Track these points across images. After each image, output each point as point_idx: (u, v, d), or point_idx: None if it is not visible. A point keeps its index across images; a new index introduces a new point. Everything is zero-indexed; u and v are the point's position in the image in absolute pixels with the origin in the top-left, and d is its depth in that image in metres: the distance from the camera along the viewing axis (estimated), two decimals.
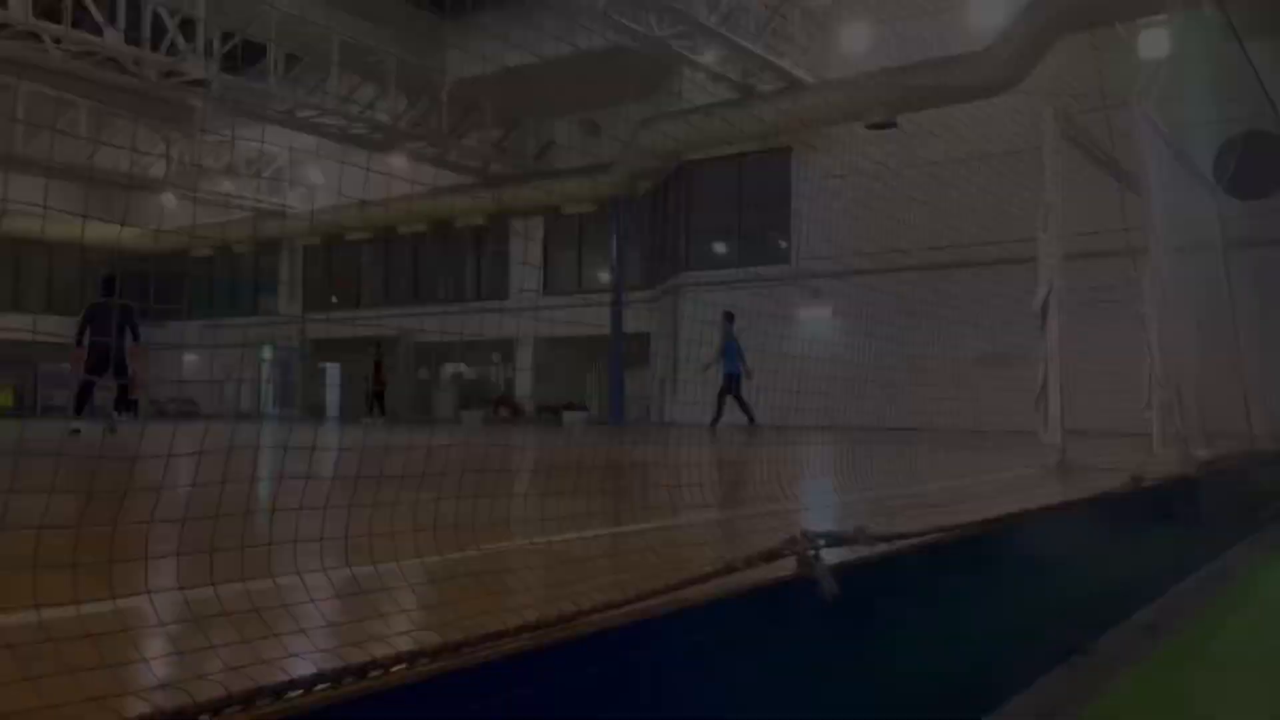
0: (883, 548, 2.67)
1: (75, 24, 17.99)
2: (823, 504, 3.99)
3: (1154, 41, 10.43)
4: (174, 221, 28.12)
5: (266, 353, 31.33)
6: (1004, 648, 3.55)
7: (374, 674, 1.44)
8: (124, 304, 11.20)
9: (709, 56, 18.46)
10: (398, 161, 24.28)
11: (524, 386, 26.86)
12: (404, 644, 1.52)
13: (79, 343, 10.68)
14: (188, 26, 19.60)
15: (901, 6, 5.46)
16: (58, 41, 17.97)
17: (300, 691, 1.35)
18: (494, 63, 18.13)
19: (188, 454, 2.01)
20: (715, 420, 13.17)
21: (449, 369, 29.15)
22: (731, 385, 12.97)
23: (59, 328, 29.10)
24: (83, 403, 11.36)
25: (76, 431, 9.39)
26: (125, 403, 11.73)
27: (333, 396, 30.32)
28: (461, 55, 20.67)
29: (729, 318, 13.10)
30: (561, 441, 8.17)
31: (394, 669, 1.46)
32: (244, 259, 33.34)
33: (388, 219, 27.20)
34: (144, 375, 15.93)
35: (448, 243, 28.56)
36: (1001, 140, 6.23)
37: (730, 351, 12.71)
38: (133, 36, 18.58)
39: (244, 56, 20.36)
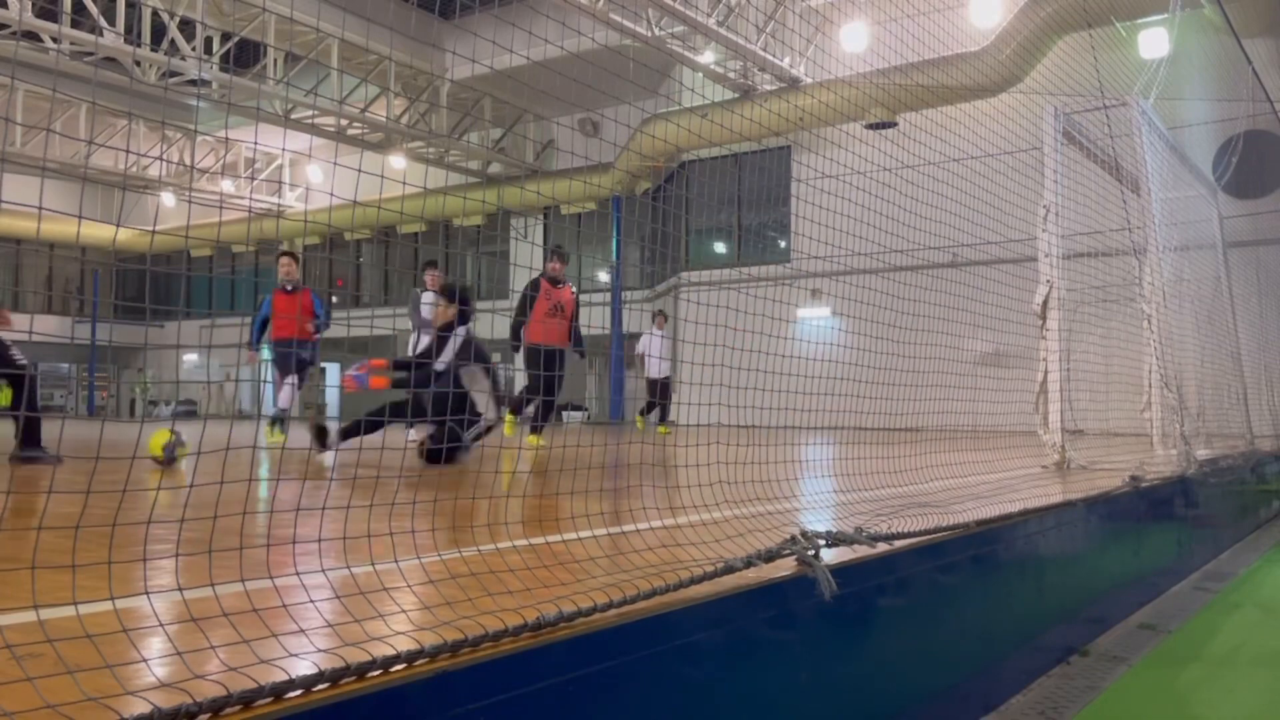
0: (883, 548, 2.67)
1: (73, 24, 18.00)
2: (823, 504, 3.99)
3: (1154, 41, 10.43)
4: (171, 221, 28.12)
5: (265, 352, 31.33)
6: (1003, 647, 3.55)
7: (373, 674, 1.44)
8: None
9: (708, 56, 18.47)
10: (397, 161, 24.29)
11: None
12: (403, 644, 1.52)
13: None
14: (187, 27, 19.61)
15: (901, 6, 5.46)
16: (56, 41, 17.97)
17: (300, 691, 1.35)
18: (494, 63, 18.13)
19: (188, 454, 2.01)
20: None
21: None
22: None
23: (59, 328, 29.12)
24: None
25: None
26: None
27: (331, 396, 30.32)
28: (460, 56, 20.65)
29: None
30: (561, 441, 8.14)
31: (393, 669, 1.46)
32: (242, 257, 33.34)
33: (387, 218, 27.22)
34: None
35: (448, 243, 28.57)
36: (1001, 140, 6.21)
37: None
38: (130, 39, 18.57)
39: (241, 56, 20.36)
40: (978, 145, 5.87)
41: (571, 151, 24.91)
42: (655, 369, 14.01)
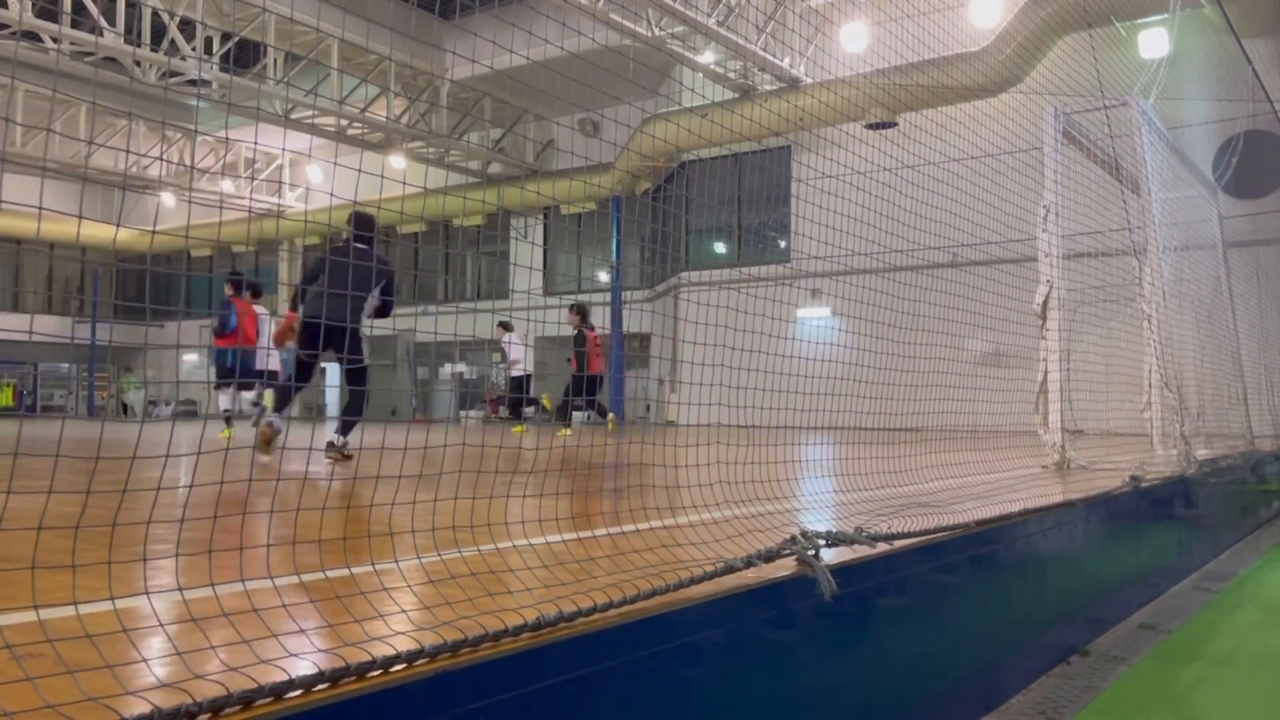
0: (883, 548, 2.67)
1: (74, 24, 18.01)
2: (823, 504, 3.99)
3: (1154, 41, 10.43)
4: (171, 221, 28.11)
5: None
6: (1003, 647, 3.55)
7: (373, 674, 1.44)
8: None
9: (708, 56, 18.48)
10: (397, 161, 24.30)
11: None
12: (403, 644, 1.52)
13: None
14: (187, 27, 19.61)
15: (901, 6, 5.46)
16: (56, 41, 17.97)
17: (300, 691, 1.35)
18: (494, 63, 18.13)
19: (188, 454, 2.01)
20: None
21: (449, 369, 29.18)
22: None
23: (59, 328, 29.11)
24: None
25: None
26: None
27: (332, 397, 30.36)
28: (460, 56, 20.65)
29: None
30: (562, 441, 8.19)
31: (393, 669, 1.46)
32: (242, 258, 33.33)
33: (387, 218, 27.21)
34: None
35: (448, 243, 28.58)
36: (1001, 140, 6.21)
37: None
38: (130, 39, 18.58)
39: (242, 56, 20.37)
40: (978, 145, 5.87)
41: (571, 151, 24.91)
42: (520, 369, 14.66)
